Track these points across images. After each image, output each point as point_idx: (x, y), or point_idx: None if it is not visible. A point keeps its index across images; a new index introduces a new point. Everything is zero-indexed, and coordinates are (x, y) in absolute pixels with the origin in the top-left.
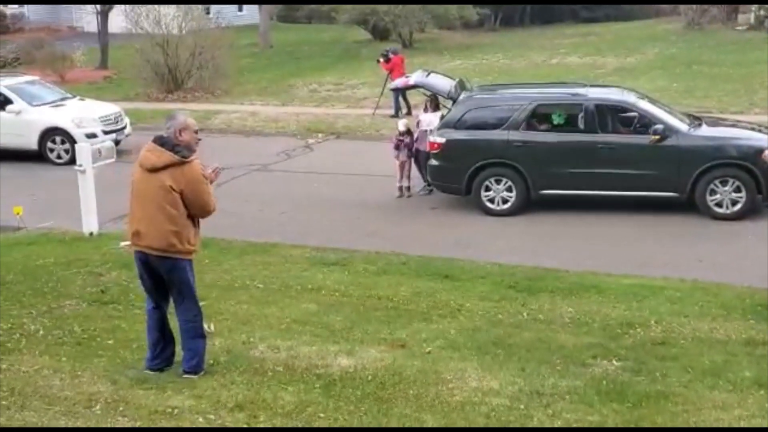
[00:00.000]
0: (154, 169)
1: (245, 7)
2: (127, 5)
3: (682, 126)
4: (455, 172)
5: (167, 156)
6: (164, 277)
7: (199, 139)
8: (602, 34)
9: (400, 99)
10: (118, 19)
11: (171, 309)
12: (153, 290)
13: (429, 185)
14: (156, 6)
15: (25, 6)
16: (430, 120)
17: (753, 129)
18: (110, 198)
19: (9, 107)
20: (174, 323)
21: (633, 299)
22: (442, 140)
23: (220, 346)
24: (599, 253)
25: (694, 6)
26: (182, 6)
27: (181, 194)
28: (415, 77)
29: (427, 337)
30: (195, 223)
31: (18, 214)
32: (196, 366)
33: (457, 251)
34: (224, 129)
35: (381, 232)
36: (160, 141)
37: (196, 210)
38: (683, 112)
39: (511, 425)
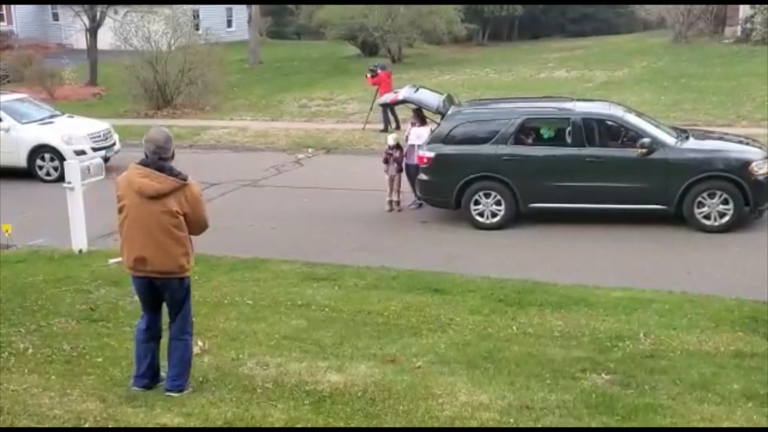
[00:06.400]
0: (158, 196)
1: (235, 23)
2: (116, 22)
3: (669, 139)
4: (445, 186)
5: (170, 182)
6: (166, 297)
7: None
8: (589, 48)
9: (389, 114)
10: (107, 35)
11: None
12: (152, 309)
13: (419, 199)
14: (145, 22)
15: (14, 23)
16: (419, 134)
17: (740, 142)
18: (99, 215)
19: None
20: (164, 341)
21: (622, 312)
22: (431, 155)
23: (209, 363)
24: (588, 266)
25: (682, 19)
26: (171, 22)
27: (185, 216)
28: (403, 92)
29: (417, 352)
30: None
31: (7, 231)
32: (180, 385)
33: (446, 265)
34: (214, 145)
35: (371, 246)
36: (157, 165)
37: (196, 229)
38: (670, 126)
39: None
